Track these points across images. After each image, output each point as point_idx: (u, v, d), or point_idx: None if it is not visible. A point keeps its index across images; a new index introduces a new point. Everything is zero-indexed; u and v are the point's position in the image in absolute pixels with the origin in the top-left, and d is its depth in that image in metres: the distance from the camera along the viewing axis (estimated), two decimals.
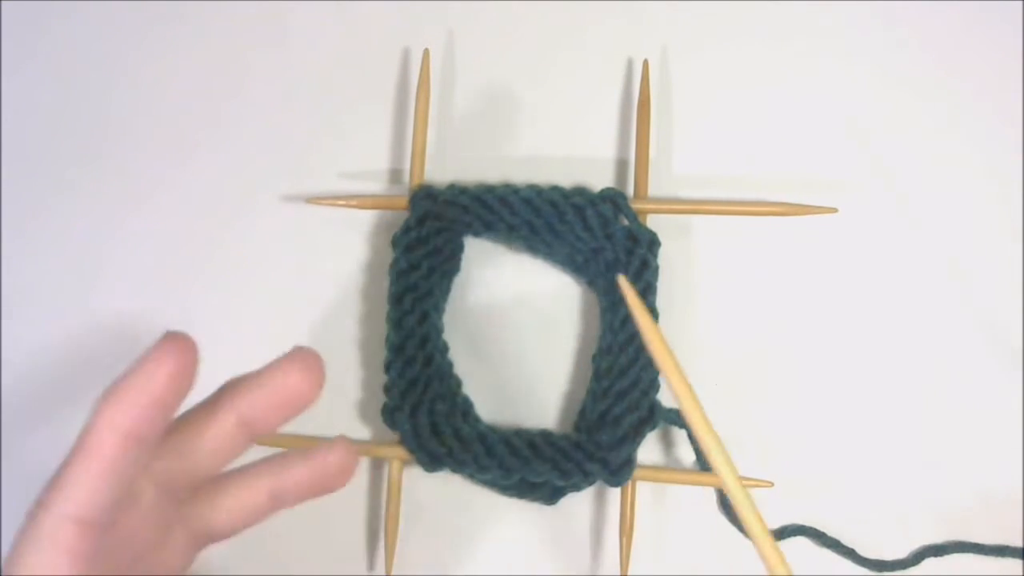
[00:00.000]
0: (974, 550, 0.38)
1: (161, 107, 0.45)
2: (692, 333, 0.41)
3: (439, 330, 0.40)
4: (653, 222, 0.40)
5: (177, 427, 0.30)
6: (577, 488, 0.39)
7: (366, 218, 0.43)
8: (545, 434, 0.38)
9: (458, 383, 0.40)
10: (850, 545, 0.39)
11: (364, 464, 0.41)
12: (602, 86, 0.43)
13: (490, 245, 0.42)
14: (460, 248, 0.41)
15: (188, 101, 0.45)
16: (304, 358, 0.31)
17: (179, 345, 0.28)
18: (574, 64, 0.43)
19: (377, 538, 0.41)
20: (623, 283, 0.30)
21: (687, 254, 0.41)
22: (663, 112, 0.42)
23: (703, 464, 0.38)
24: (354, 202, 0.41)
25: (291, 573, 0.41)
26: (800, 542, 0.39)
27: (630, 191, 0.41)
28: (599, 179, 0.42)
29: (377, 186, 0.43)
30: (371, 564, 0.41)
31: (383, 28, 0.45)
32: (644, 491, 0.39)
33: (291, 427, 0.42)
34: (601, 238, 0.39)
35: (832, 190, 0.41)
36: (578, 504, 0.40)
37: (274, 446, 0.41)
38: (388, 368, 0.39)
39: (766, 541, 0.28)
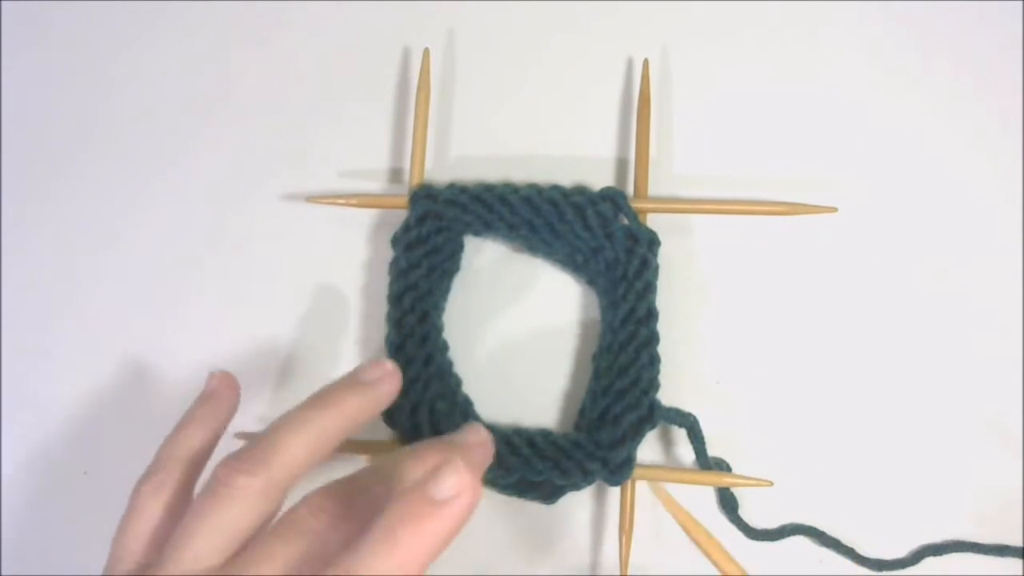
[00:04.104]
0: (974, 550, 0.38)
1: (160, 106, 0.45)
2: (692, 333, 0.41)
3: (439, 329, 0.40)
4: (653, 221, 0.40)
5: None
6: (577, 487, 0.39)
7: (366, 217, 0.43)
8: (545, 433, 0.38)
9: (458, 383, 0.40)
10: (850, 545, 0.39)
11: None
12: (602, 85, 0.43)
13: (490, 245, 0.42)
14: (460, 247, 0.41)
15: (187, 100, 0.45)
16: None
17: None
18: (574, 63, 0.43)
19: None
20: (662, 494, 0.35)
21: (687, 254, 0.41)
22: (663, 112, 0.42)
23: (703, 463, 0.38)
24: (354, 201, 0.41)
25: None
26: (800, 542, 0.39)
27: (630, 190, 0.41)
28: (599, 178, 0.42)
29: (377, 185, 0.43)
30: None
31: (383, 28, 0.45)
32: (644, 490, 0.39)
33: None
34: (601, 237, 0.39)
35: (832, 190, 0.41)
36: (578, 503, 0.40)
37: None
38: None
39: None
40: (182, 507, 0.32)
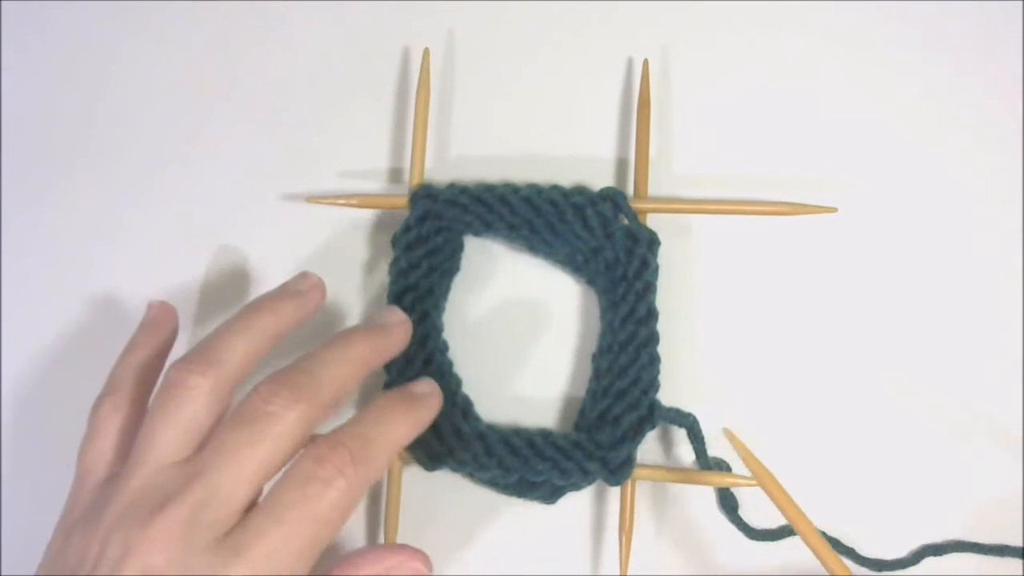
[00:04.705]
0: (974, 550, 0.38)
1: (160, 106, 0.45)
2: (692, 333, 0.41)
3: (439, 329, 0.40)
4: (653, 221, 0.40)
5: None
6: (577, 487, 0.39)
7: (366, 217, 0.43)
8: (545, 433, 0.38)
9: (458, 383, 0.40)
10: (850, 545, 0.39)
11: None
12: (602, 86, 0.43)
13: (490, 245, 0.42)
14: (460, 247, 0.41)
15: (187, 100, 0.45)
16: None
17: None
18: (574, 63, 0.43)
19: (377, 538, 0.41)
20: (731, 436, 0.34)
21: (687, 254, 0.41)
22: (663, 112, 0.42)
23: (703, 464, 0.38)
24: (354, 201, 0.41)
25: None
26: (800, 542, 0.39)
27: (630, 191, 0.41)
28: (599, 178, 0.42)
29: (377, 185, 0.43)
30: None
31: (383, 28, 0.45)
32: (644, 491, 0.39)
33: None
34: (601, 237, 0.39)
35: (832, 190, 0.41)
36: (578, 504, 0.40)
37: None
38: (388, 368, 0.39)
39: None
40: (138, 423, 0.34)
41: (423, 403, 0.35)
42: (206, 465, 0.31)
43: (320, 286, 0.37)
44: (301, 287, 0.37)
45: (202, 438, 0.32)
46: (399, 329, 0.37)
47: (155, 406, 0.33)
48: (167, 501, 0.30)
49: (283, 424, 0.31)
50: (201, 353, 0.33)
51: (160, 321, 0.38)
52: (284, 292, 0.36)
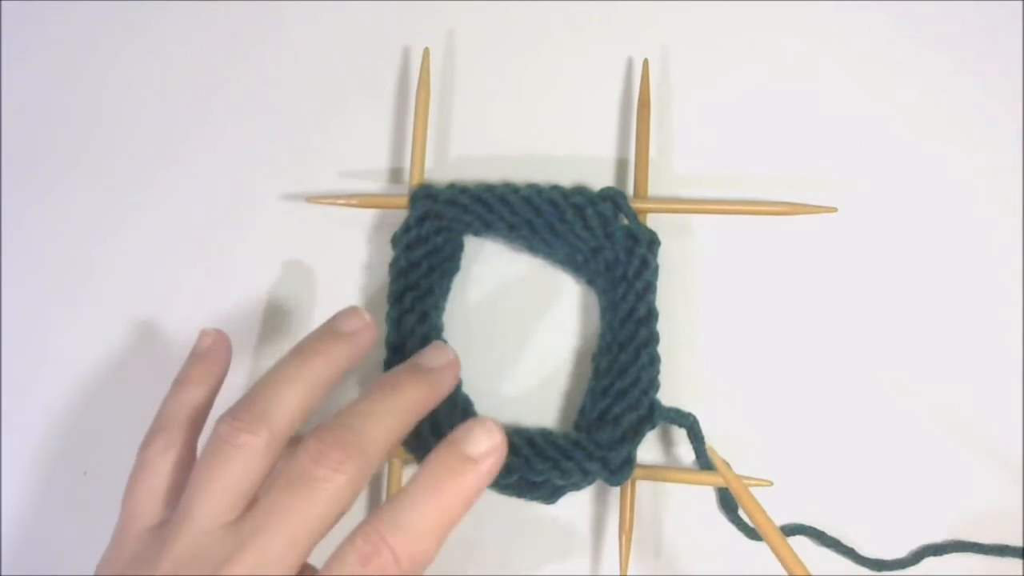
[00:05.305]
0: (974, 550, 0.38)
1: (160, 106, 0.45)
2: (692, 333, 0.41)
3: (439, 329, 0.40)
4: (653, 221, 0.40)
5: None
6: (577, 487, 0.39)
7: (366, 217, 0.43)
8: (545, 433, 0.38)
9: (458, 383, 0.40)
10: (850, 545, 0.39)
11: None
12: (602, 86, 0.43)
13: (490, 244, 0.42)
14: (460, 247, 0.41)
15: (187, 100, 0.45)
16: None
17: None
18: (574, 64, 0.43)
19: None
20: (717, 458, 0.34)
21: (687, 254, 0.41)
22: (663, 112, 0.42)
23: (703, 463, 0.38)
24: (354, 201, 0.41)
25: None
26: (800, 542, 0.39)
27: (630, 190, 0.41)
28: (599, 178, 0.42)
29: (377, 185, 0.43)
30: None
31: (383, 27, 0.45)
32: (644, 491, 0.39)
33: None
34: (601, 237, 0.39)
35: (832, 190, 0.41)
36: (578, 504, 0.40)
37: None
38: (388, 368, 0.39)
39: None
40: (189, 464, 0.33)
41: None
42: (256, 529, 0.30)
43: (371, 325, 0.35)
44: (351, 327, 0.34)
45: (252, 494, 0.31)
46: (449, 371, 0.35)
47: (204, 460, 0.31)
48: (220, 567, 0.29)
49: (333, 488, 0.30)
50: (250, 409, 0.32)
51: (214, 354, 0.37)
52: (334, 333, 0.34)
